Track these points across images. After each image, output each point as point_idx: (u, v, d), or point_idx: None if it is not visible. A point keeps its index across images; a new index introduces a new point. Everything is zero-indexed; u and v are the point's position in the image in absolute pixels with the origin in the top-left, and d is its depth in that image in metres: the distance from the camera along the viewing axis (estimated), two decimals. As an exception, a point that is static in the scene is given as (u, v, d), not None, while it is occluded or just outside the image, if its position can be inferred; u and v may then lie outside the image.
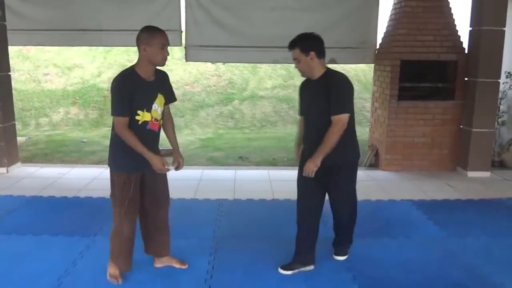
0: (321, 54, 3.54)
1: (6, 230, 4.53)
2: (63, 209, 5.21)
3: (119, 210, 3.52)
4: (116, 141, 3.41)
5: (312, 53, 3.49)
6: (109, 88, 3.42)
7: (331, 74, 3.58)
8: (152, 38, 3.31)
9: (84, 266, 3.86)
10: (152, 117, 3.42)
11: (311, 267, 3.86)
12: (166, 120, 3.70)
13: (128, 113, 3.30)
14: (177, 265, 3.90)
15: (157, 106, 3.46)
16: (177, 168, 3.78)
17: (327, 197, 3.84)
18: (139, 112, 3.34)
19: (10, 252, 4.07)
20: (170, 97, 3.64)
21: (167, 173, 3.60)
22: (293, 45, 3.54)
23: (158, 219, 3.77)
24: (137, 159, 3.39)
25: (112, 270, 3.67)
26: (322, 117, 3.51)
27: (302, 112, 3.87)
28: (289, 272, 3.83)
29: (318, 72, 3.56)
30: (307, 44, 3.51)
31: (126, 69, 3.43)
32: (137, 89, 3.32)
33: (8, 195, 5.60)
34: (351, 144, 3.66)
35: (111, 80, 3.37)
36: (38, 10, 7.02)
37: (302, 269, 3.84)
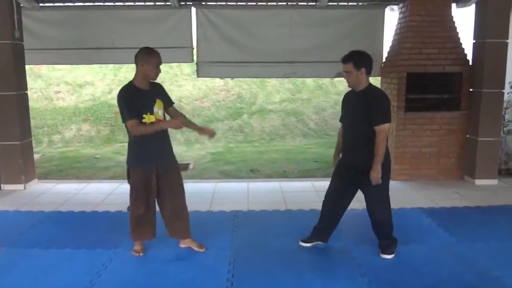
0: (369, 71, 4.04)
1: (29, 244, 4.66)
2: (83, 224, 5.35)
3: (134, 195, 4.25)
4: (132, 143, 4.17)
5: (363, 69, 3.99)
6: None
7: (373, 89, 4.09)
8: (150, 57, 4.02)
9: (109, 277, 4.00)
10: (155, 118, 4.09)
11: (324, 243, 4.54)
12: (178, 116, 4.35)
13: (137, 115, 3.98)
14: (196, 248, 4.49)
15: (157, 109, 4.13)
16: (211, 136, 4.49)
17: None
18: (144, 116, 4.01)
19: (35, 266, 4.20)
20: (167, 101, 4.30)
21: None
22: (348, 59, 4.01)
23: (175, 206, 4.38)
24: (149, 157, 4.14)
25: (135, 246, 4.45)
26: (360, 124, 4.03)
27: (342, 119, 4.35)
28: (308, 245, 4.52)
29: (362, 86, 4.05)
30: (360, 61, 3.97)
31: (126, 84, 4.13)
32: (137, 98, 4.01)
33: (28, 211, 5.74)
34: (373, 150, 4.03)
35: (118, 93, 4.05)
36: (54, 30, 7.24)
37: (316, 243, 4.52)
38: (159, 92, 4.22)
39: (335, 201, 4.39)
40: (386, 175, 4.15)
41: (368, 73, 4.03)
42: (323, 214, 4.49)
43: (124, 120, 4.03)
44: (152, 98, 4.10)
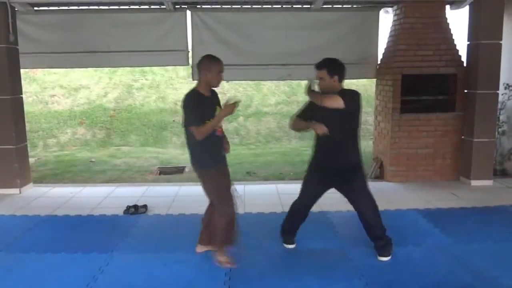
0: (342, 78, 4.17)
1: (24, 249, 4.65)
2: (79, 227, 5.33)
3: (222, 195, 4.18)
4: (199, 146, 4.09)
5: (336, 77, 4.10)
6: (181, 105, 4.10)
7: (344, 91, 4.12)
8: (212, 65, 4.07)
9: (105, 280, 3.99)
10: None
11: (290, 246, 4.59)
12: None
13: (202, 122, 3.99)
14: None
15: None
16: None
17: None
18: (207, 121, 4.02)
19: (32, 270, 4.19)
20: None
21: None
22: (322, 66, 4.12)
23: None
24: (215, 156, 4.19)
25: (222, 258, 4.24)
26: (338, 127, 4.03)
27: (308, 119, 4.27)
28: (293, 246, 4.60)
29: (335, 91, 4.07)
30: (333, 68, 4.11)
31: (191, 90, 4.13)
32: (203, 104, 4.06)
33: (24, 215, 5.72)
34: (356, 150, 4.23)
35: (182, 99, 4.07)
36: (48, 34, 7.22)
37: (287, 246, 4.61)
38: (218, 99, 4.28)
39: (311, 201, 4.48)
40: (365, 177, 4.31)
41: (340, 80, 4.14)
42: (295, 214, 4.54)
43: (188, 125, 4.04)
44: (214, 105, 4.18)
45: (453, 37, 6.92)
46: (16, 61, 6.74)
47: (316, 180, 4.36)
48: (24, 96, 7.08)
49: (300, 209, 4.50)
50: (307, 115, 4.28)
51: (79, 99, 12.84)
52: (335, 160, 4.19)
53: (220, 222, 4.19)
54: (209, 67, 4.05)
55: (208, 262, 4.31)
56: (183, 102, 4.06)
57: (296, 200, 4.52)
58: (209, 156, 4.16)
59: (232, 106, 4.01)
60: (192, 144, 4.15)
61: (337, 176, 4.18)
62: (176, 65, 8.21)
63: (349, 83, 13.56)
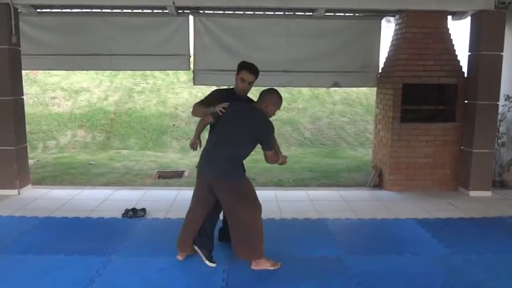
0: None
1: (22, 250, 4.64)
2: (77, 230, 5.32)
3: (258, 205, 4.30)
4: (238, 159, 4.23)
5: None
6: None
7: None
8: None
9: (102, 283, 3.98)
10: None
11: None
12: None
13: None
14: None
15: None
16: None
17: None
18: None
19: (28, 272, 4.18)
20: None
21: None
22: (256, 72, 4.37)
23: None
24: None
25: (268, 263, 4.26)
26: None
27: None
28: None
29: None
30: None
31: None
32: None
33: (22, 216, 5.71)
34: None
35: (269, 125, 4.19)
36: (50, 36, 7.25)
37: None
38: None
39: None
40: None
41: None
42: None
43: (270, 149, 4.25)
44: None
45: (454, 48, 6.94)
46: (18, 63, 6.74)
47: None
48: (25, 97, 7.09)
49: None
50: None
51: (80, 102, 12.86)
52: None
53: (261, 233, 4.26)
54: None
55: (205, 267, 4.30)
56: (270, 128, 4.17)
57: None
58: (242, 168, 4.43)
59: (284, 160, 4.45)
60: (240, 162, 4.31)
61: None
62: (178, 69, 8.23)
63: (349, 91, 13.57)
